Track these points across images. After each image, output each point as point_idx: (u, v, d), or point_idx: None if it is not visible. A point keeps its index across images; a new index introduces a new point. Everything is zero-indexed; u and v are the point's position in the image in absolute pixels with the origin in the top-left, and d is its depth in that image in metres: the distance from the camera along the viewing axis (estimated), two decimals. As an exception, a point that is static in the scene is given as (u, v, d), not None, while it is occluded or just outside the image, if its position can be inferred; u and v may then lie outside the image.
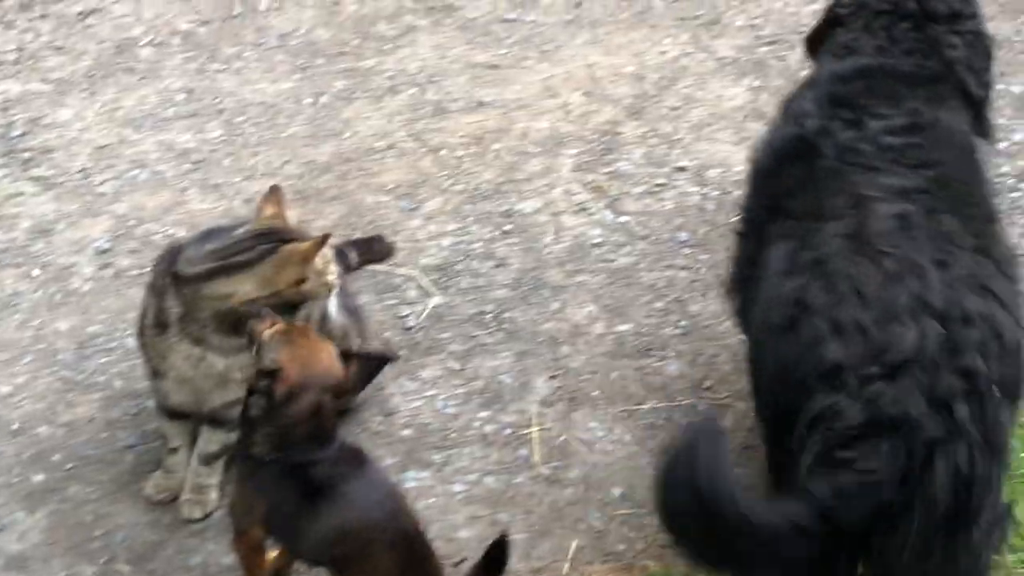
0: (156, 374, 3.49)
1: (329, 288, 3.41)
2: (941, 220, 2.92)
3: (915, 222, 2.89)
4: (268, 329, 3.17)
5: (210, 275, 3.34)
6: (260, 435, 3.14)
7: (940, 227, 2.90)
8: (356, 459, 3.22)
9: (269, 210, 3.41)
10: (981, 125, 3.38)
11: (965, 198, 3.04)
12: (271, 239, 3.34)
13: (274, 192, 3.45)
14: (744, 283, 3.35)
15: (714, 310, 4.14)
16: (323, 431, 3.15)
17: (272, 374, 3.11)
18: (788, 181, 3.17)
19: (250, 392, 3.18)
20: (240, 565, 3.30)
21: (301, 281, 3.32)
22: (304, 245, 3.30)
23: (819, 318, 2.81)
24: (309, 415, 3.12)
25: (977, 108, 3.37)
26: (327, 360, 3.17)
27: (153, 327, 3.41)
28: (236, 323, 3.33)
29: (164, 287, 3.43)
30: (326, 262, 3.38)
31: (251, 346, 3.19)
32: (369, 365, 3.30)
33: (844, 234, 2.91)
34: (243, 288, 3.31)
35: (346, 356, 3.22)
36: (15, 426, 3.81)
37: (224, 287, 3.32)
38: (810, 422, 2.80)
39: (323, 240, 3.31)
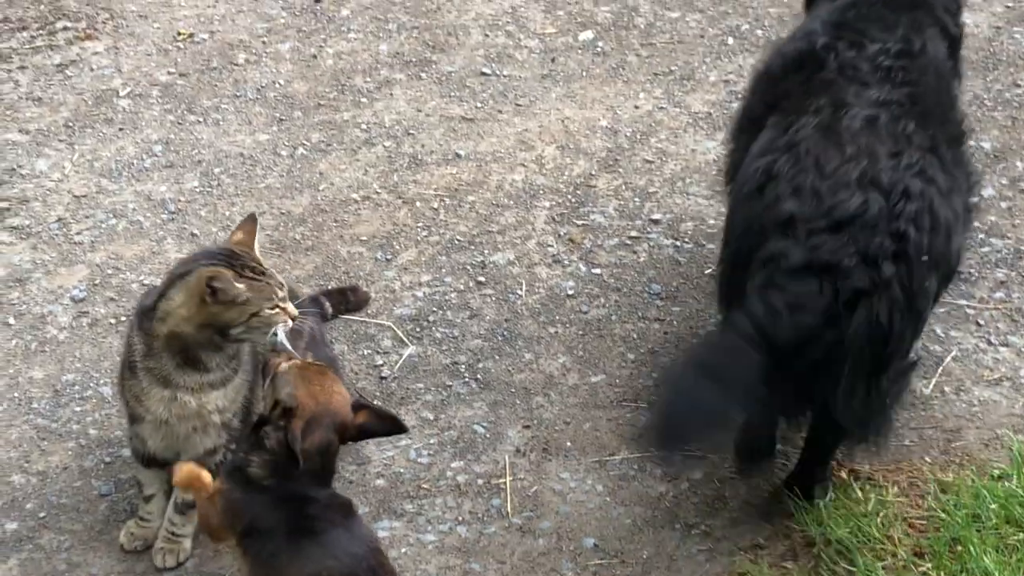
0: (133, 419, 3.51)
1: (259, 320, 3.38)
2: (905, 126, 3.41)
3: (881, 124, 3.40)
4: (284, 363, 3.21)
5: (158, 297, 3.41)
6: (262, 460, 3.17)
7: (902, 130, 3.40)
8: (346, 509, 3.25)
9: (237, 236, 3.48)
10: (955, 62, 3.84)
11: (934, 114, 3.51)
12: (211, 259, 3.39)
13: (248, 221, 3.53)
14: (736, 170, 3.76)
15: (686, 362, 4.17)
16: (326, 470, 3.19)
17: (289, 411, 3.15)
18: (789, 86, 3.65)
19: (262, 421, 3.21)
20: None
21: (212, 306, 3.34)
22: (209, 271, 3.33)
23: (783, 182, 3.33)
24: (317, 452, 3.18)
25: (953, 44, 3.82)
26: (340, 400, 3.23)
27: (127, 370, 3.44)
28: (189, 355, 3.38)
29: (131, 325, 3.48)
30: (258, 294, 3.36)
31: (264, 379, 3.25)
32: (383, 422, 3.30)
33: (817, 125, 3.42)
34: (174, 306, 3.36)
35: (358, 406, 3.26)
36: (-12, 474, 3.81)
37: (164, 305, 3.38)
38: (762, 262, 3.31)
39: (214, 274, 3.31)
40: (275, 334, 3.41)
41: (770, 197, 3.35)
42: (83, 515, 3.72)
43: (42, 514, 3.71)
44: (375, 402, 3.99)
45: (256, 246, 3.48)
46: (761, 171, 3.42)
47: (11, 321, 4.25)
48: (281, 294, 3.41)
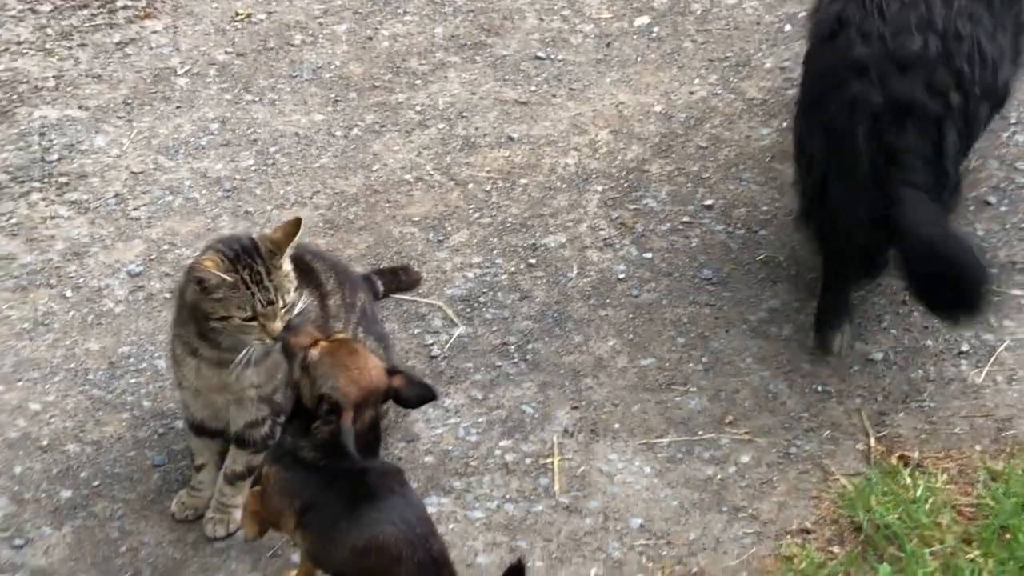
0: (178, 385, 3.57)
1: (231, 325, 3.37)
2: None
3: None
4: (314, 348, 3.24)
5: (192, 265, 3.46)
6: (313, 444, 3.21)
7: None
8: (399, 477, 3.29)
9: (276, 234, 3.46)
10: None
11: None
12: (225, 245, 3.40)
13: (292, 224, 3.46)
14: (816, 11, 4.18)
15: (736, 346, 4.18)
16: (375, 441, 3.23)
17: (335, 407, 3.17)
18: None
19: (306, 413, 3.23)
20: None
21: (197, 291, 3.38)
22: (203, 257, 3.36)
23: (852, 29, 3.81)
24: (369, 428, 3.22)
25: None
26: (376, 372, 3.25)
27: (172, 334, 3.51)
28: (202, 329, 3.42)
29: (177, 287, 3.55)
30: (234, 299, 3.34)
31: (289, 359, 3.27)
32: (414, 387, 3.33)
33: None
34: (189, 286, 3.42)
35: (393, 371, 3.30)
36: (44, 442, 3.86)
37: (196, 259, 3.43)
38: (847, 105, 3.80)
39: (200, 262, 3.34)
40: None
41: (842, 43, 3.84)
42: (136, 484, 3.77)
43: (96, 483, 3.77)
44: (426, 380, 4.02)
45: (289, 249, 3.43)
46: (833, 18, 3.89)
47: (69, 294, 4.31)
48: (268, 309, 3.35)
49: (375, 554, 3.16)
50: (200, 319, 3.40)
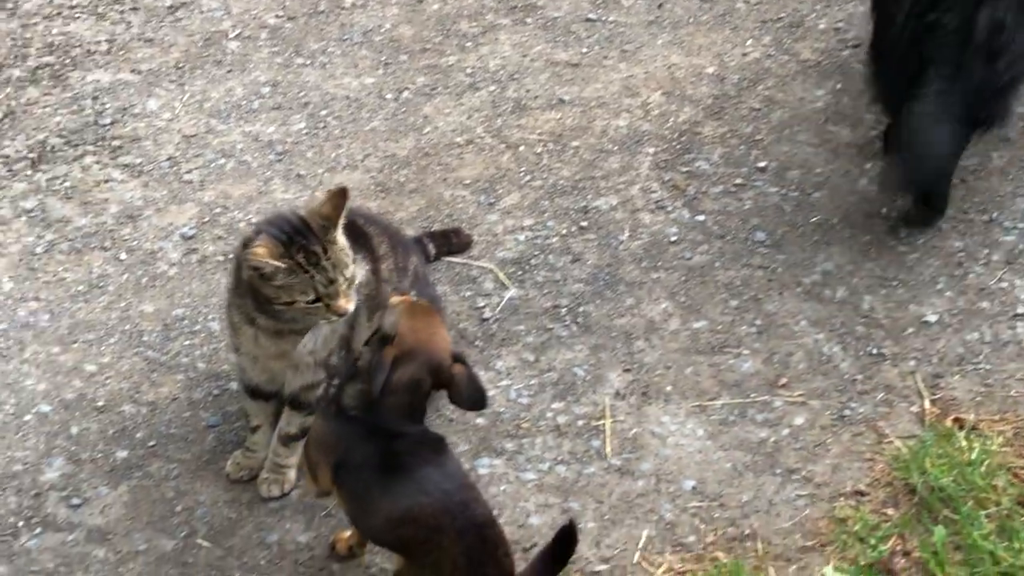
0: (235, 350, 3.58)
1: (296, 309, 3.33)
2: None
3: None
4: (397, 298, 3.30)
5: (245, 243, 3.41)
6: (355, 389, 3.23)
7: None
8: (437, 446, 3.28)
9: (324, 208, 3.35)
10: None
11: None
12: (277, 229, 3.33)
13: (338, 194, 3.35)
14: None
15: (790, 309, 4.15)
16: (414, 409, 3.22)
17: (387, 337, 3.19)
18: None
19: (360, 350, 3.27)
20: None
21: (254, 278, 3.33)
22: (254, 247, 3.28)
23: None
24: (406, 386, 3.20)
25: None
26: (440, 342, 3.26)
27: (229, 300, 3.51)
28: (263, 303, 3.37)
29: (233, 257, 3.54)
30: (295, 284, 3.29)
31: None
32: (471, 384, 3.29)
33: None
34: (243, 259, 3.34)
35: (457, 358, 3.28)
36: (100, 403, 3.90)
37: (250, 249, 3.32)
38: None
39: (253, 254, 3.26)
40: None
41: None
42: (191, 445, 3.80)
43: (152, 443, 3.80)
44: (477, 343, 4.03)
45: (341, 221, 3.37)
46: None
47: (123, 256, 4.34)
48: (331, 289, 3.30)
49: (411, 525, 3.16)
50: (261, 299, 3.37)
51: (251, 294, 3.38)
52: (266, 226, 3.36)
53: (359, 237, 3.56)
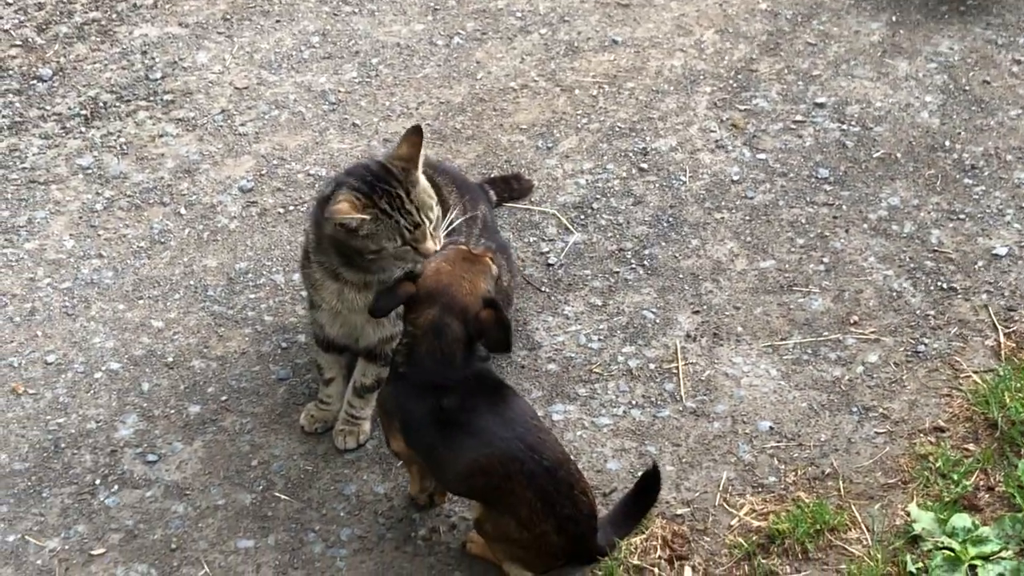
0: (312, 305, 3.56)
1: (383, 256, 3.32)
2: None
3: None
4: (441, 247, 3.30)
5: (326, 199, 3.37)
6: (402, 343, 3.22)
7: None
8: (494, 394, 3.25)
9: (401, 150, 3.37)
10: None
11: None
12: (356, 180, 3.31)
13: (413, 133, 3.38)
14: None
15: (857, 245, 4.11)
16: (445, 355, 3.17)
17: (411, 275, 3.21)
18: None
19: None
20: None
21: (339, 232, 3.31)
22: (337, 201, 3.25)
23: None
24: (430, 330, 3.16)
25: None
26: (466, 288, 3.20)
27: (305, 258, 3.48)
28: (349, 258, 3.36)
29: (311, 215, 3.50)
30: (382, 231, 3.28)
31: None
32: (497, 328, 3.22)
33: None
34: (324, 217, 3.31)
35: (489, 302, 3.22)
36: (169, 359, 3.89)
37: (332, 206, 3.29)
38: None
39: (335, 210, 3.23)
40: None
41: None
42: (263, 399, 3.79)
43: (224, 398, 3.79)
44: (543, 289, 4.00)
45: (421, 159, 3.36)
46: None
47: (183, 211, 4.32)
48: (418, 232, 3.28)
49: (480, 476, 3.16)
50: (347, 252, 3.35)
51: (335, 249, 3.36)
52: (344, 178, 3.33)
53: (431, 187, 3.53)
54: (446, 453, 3.21)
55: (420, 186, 3.32)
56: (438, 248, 3.31)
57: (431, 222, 3.31)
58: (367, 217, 3.23)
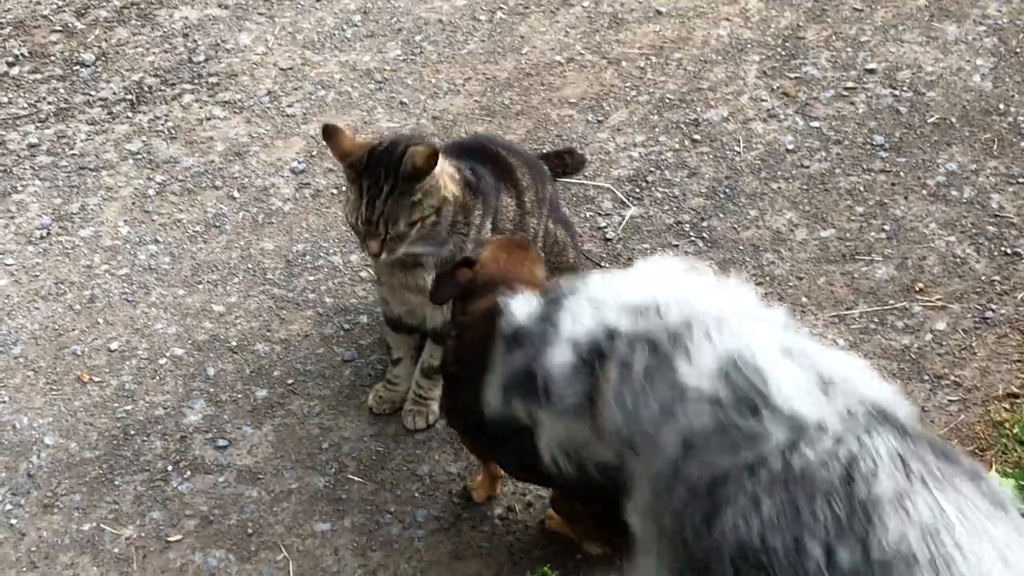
0: (379, 282, 3.55)
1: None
2: None
3: None
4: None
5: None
6: (448, 345, 3.19)
7: None
8: None
9: (418, 159, 3.29)
10: None
11: None
12: (378, 141, 3.34)
13: (429, 153, 3.28)
14: None
15: (917, 212, 4.09)
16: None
17: (468, 260, 3.17)
18: None
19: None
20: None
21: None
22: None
23: None
24: (485, 317, 3.00)
25: None
26: (527, 276, 3.14)
27: None
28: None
29: None
30: (351, 197, 3.33)
31: None
32: None
33: None
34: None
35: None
36: (233, 343, 3.87)
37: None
38: None
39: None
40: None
41: None
42: (329, 381, 3.77)
43: (290, 381, 3.78)
44: (604, 265, 3.98)
45: (429, 182, 3.31)
46: None
47: (236, 195, 4.29)
48: (366, 228, 3.29)
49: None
50: None
51: None
52: (387, 135, 3.34)
53: (506, 170, 3.51)
54: (505, 452, 3.19)
55: (410, 199, 3.26)
56: (381, 257, 3.30)
57: (389, 232, 3.26)
58: (345, 166, 3.33)
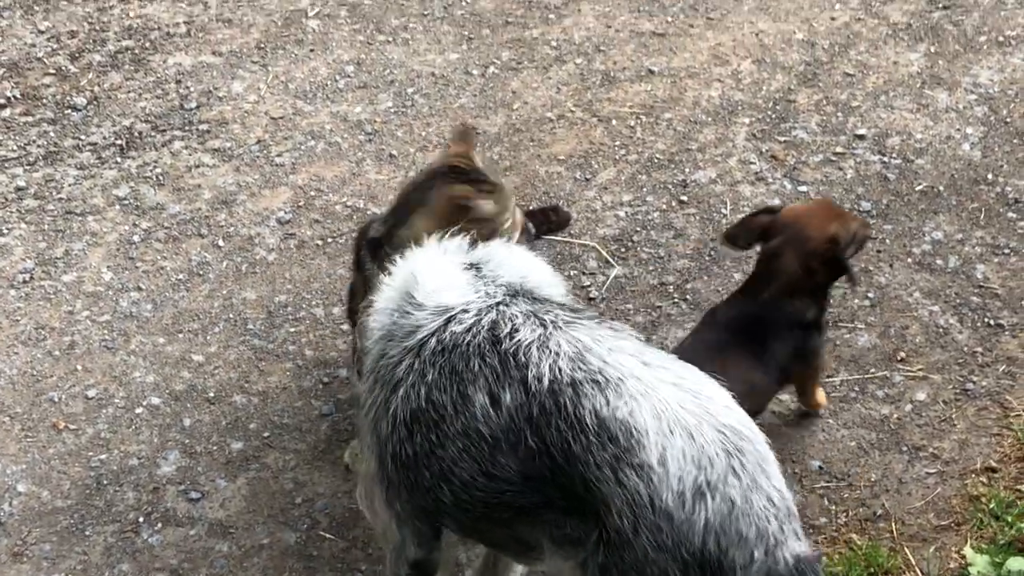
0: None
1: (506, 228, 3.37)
2: None
3: None
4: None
5: (395, 225, 3.34)
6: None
7: None
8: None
9: (455, 149, 3.39)
10: None
11: None
12: (442, 176, 3.32)
13: (463, 132, 3.43)
14: None
15: (902, 280, 4.08)
16: (767, 279, 3.47)
17: (769, 210, 3.47)
18: None
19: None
20: None
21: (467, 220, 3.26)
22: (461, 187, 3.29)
23: None
24: (767, 255, 3.44)
25: None
26: (815, 224, 3.40)
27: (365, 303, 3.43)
28: None
29: (364, 259, 3.46)
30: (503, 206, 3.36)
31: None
32: (838, 263, 3.44)
33: None
34: (420, 226, 3.27)
35: (833, 239, 3.39)
36: (211, 394, 3.86)
37: (407, 231, 3.27)
38: None
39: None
40: None
41: None
42: (305, 435, 3.76)
43: (266, 434, 3.76)
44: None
45: (475, 155, 3.38)
46: None
47: (220, 243, 4.29)
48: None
49: None
50: None
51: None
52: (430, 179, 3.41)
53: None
54: None
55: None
56: None
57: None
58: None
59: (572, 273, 4.17)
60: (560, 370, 2.63)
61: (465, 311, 2.76)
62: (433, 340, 2.75)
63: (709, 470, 2.54)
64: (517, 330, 2.70)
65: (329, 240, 4.28)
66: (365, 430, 2.94)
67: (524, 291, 2.81)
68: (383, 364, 2.83)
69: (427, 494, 2.79)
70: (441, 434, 2.72)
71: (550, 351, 2.66)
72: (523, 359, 2.66)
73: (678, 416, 2.58)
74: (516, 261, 2.91)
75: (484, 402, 2.67)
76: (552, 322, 2.71)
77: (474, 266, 2.86)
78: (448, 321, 2.75)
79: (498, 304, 2.76)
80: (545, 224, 4.26)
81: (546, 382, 2.63)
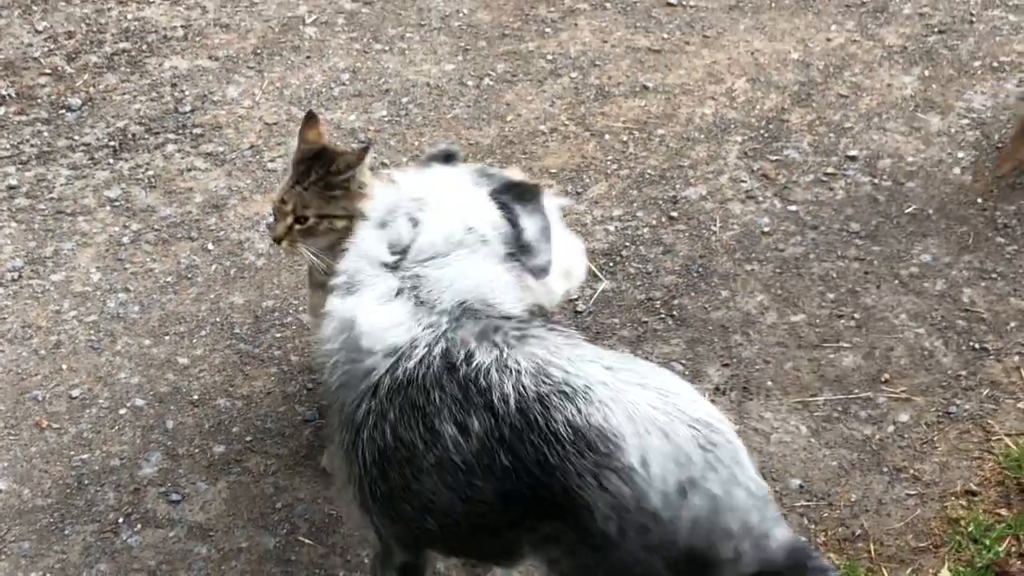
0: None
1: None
2: None
3: None
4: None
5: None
6: None
7: None
8: None
9: (310, 135, 3.42)
10: None
11: None
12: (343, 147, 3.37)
13: (311, 119, 3.44)
14: None
15: (888, 302, 4.08)
16: None
17: None
18: None
19: None
20: None
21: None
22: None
23: None
24: None
25: None
26: None
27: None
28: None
29: None
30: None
31: None
32: None
33: None
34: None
35: None
36: (195, 397, 3.86)
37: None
38: None
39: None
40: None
41: None
42: (288, 440, 3.76)
43: (248, 438, 3.76)
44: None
45: (351, 175, 3.36)
46: None
47: (210, 247, 4.29)
48: (279, 207, 3.37)
49: None
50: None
51: None
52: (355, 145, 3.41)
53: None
54: None
55: (325, 194, 3.32)
56: (276, 236, 3.36)
57: (294, 218, 3.32)
58: (293, 154, 3.41)
59: (560, 286, 4.17)
60: (524, 387, 2.62)
61: (414, 346, 2.73)
62: (387, 379, 2.74)
63: (688, 467, 2.55)
64: (472, 355, 2.68)
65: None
66: (340, 463, 2.93)
67: (468, 311, 2.78)
68: (346, 412, 2.84)
69: (410, 523, 2.79)
70: (415, 469, 2.71)
71: (510, 370, 2.64)
72: (484, 384, 2.65)
73: (650, 416, 2.58)
74: (453, 275, 2.83)
75: (453, 432, 2.66)
76: (504, 341, 2.70)
77: (410, 291, 2.81)
78: (399, 359, 2.73)
79: (444, 333, 2.74)
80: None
81: (512, 403, 2.62)
